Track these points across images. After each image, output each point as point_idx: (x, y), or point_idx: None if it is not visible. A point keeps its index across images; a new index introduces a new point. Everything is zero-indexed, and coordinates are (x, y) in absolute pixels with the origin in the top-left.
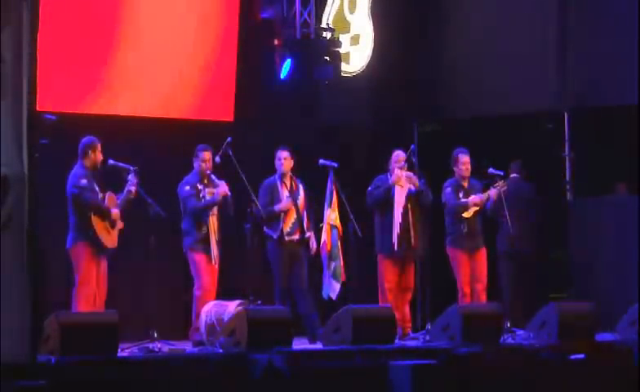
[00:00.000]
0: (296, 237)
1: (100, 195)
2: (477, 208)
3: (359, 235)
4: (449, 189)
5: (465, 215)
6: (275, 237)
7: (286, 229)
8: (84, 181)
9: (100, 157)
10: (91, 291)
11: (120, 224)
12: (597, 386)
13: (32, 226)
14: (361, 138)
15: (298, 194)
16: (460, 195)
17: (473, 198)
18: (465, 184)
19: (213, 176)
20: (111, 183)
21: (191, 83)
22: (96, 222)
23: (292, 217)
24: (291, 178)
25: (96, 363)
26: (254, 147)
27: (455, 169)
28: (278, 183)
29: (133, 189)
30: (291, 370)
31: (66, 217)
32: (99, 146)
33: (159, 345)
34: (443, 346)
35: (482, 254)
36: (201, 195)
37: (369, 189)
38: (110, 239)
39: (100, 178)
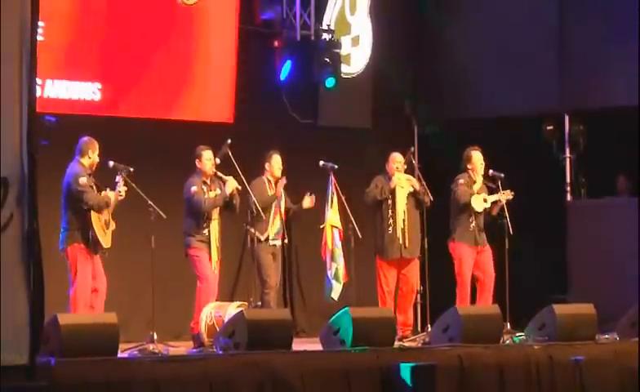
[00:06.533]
0: (279, 242)
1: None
2: (488, 205)
3: (359, 236)
4: (461, 181)
5: (477, 208)
6: (262, 239)
7: (271, 234)
8: (84, 179)
9: (97, 158)
10: (87, 292)
11: (113, 225)
12: (598, 386)
13: (32, 226)
14: (361, 138)
15: (281, 199)
16: (473, 190)
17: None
18: (477, 180)
19: (219, 174)
20: (106, 183)
21: (191, 84)
22: (95, 222)
23: (277, 222)
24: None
25: (96, 364)
26: (254, 148)
27: (469, 166)
28: (267, 185)
29: (123, 191)
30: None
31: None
32: (97, 148)
33: (159, 346)
34: (443, 347)
35: (489, 250)
36: (205, 196)
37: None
38: (105, 239)
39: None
